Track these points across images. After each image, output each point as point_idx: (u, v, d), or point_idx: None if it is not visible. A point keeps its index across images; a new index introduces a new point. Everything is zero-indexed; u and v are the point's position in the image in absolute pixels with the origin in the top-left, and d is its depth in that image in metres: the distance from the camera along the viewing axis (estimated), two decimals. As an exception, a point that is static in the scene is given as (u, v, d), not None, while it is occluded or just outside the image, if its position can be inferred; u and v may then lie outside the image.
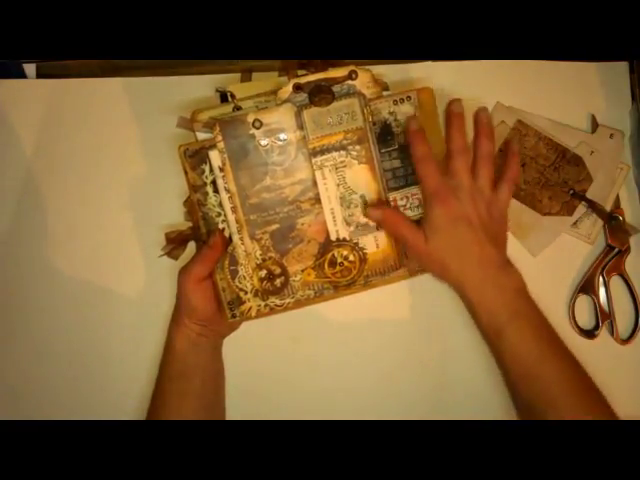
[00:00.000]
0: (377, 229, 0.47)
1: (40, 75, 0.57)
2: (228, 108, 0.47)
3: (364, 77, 0.46)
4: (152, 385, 0.48)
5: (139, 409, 0.48)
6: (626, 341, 0.57)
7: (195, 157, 0.46)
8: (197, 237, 0.48)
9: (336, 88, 0.46)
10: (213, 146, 0.45)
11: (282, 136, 0.46)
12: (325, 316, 0.56)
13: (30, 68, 0.56)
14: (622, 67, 0.58)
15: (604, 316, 0.57)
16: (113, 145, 0.56)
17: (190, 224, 0.49)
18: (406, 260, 0.48)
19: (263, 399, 0.56)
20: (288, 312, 0.48)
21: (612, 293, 0.57)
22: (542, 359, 0.42)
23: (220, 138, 0.45)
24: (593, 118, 0.58)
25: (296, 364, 0.56)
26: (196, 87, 0.55)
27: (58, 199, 0.56)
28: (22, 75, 0.56)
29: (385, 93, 0.47)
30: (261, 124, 0.45)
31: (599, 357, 0.57)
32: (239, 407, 0.51)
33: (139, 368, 0.54)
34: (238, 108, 0.47)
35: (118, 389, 0.55)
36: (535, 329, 0.43)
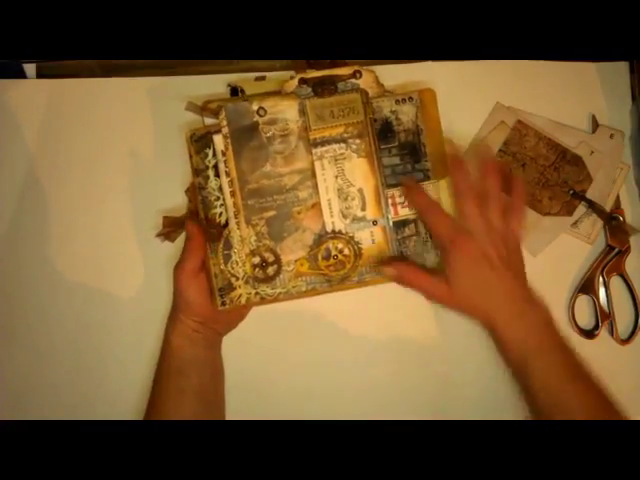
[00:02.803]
0: (373, 224, 0.47)
1: (40, 75, 0.57)
2: (238, 101, 0.48)
3: (368, 77, 0.47)
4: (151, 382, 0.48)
5: (139, 407, 0.47)
6: (626, 341, 0.57)
7: (200, 141, 0.47)
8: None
9: (340, 85, 0.47)
10: (218, 131, 0.46)
11: (284, 125, 0.47)
12: (324, 315, 0.56)
13: (30, 68, 0.56)
14: (622, 67, 0.59)
15: (604, 316, 0.57)
16: (113, 145, 0.56)
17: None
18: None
19: (261, 399, 0.55)
20: (287, 312, 0.48)
21: (612, 293, 0.57)
22: (568, 389, 0.43)
23: (225, 123, 0.46)
24: (593, 118, 0.58)
25: (295, 364, 0.56)
26: (198, 87, 0.55)
27: (58, 199, 0.56)
28: (22, 75, 0.56)
29: (387, 93, 0.48)
30: (265, 112, 0.47)
31: (599, 357, 0.57)
32: (237, 407, 0.51)
33: (139, 366, 0.54)
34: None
35: (118, 387, 0.55)
36: (562, 360, 0.44)
